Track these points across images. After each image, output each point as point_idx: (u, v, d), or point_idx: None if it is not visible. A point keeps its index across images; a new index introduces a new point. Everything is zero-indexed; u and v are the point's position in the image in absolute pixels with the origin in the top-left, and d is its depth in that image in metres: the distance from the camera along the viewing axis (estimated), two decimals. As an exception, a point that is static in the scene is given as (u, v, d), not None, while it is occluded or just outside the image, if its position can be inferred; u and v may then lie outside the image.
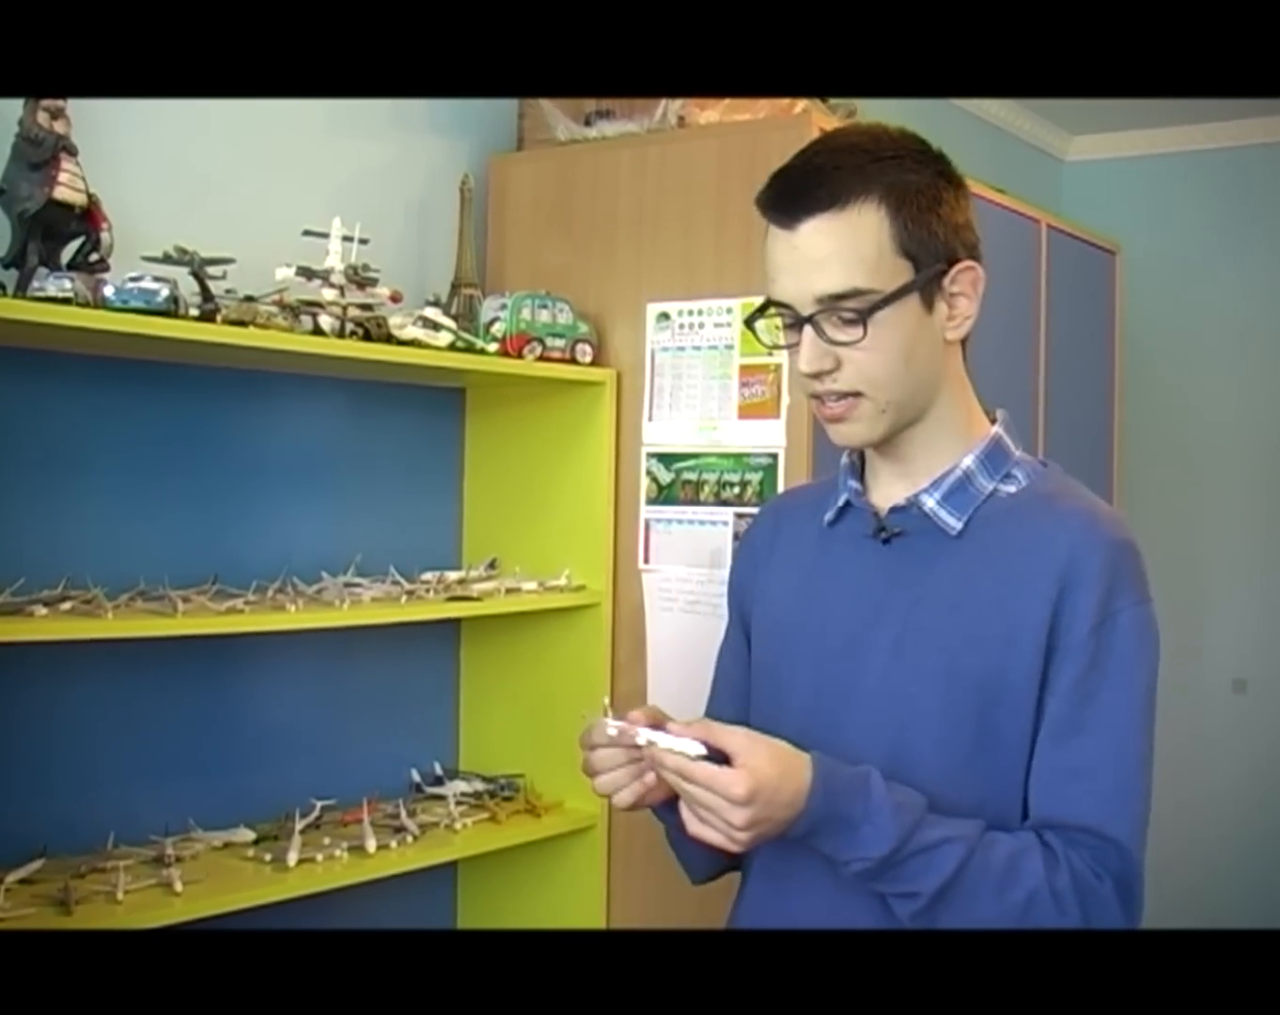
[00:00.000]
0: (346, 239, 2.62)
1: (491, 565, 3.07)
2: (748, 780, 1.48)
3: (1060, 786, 1.60)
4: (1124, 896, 1.57)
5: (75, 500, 2.52)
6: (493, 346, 2.87)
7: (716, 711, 1.88)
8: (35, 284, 2.19)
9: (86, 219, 2.30)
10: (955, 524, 1.67)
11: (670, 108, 2.96)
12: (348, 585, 2.72)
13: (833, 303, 1.59)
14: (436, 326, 2.73)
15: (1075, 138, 5.55)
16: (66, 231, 2.29)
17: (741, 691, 1.87)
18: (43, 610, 2.22)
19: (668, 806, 1.64)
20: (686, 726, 1.57)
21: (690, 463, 2.90)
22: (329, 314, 2.55)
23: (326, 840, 2.60)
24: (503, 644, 3.13)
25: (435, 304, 2.88)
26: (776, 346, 1.72)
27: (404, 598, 2.72)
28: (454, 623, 3.16)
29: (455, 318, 2.89)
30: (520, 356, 2.88)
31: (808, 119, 2.81)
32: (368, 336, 2.60)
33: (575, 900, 3.02)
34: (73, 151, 2.25)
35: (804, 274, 1.60)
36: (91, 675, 2.52)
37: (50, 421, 2.48)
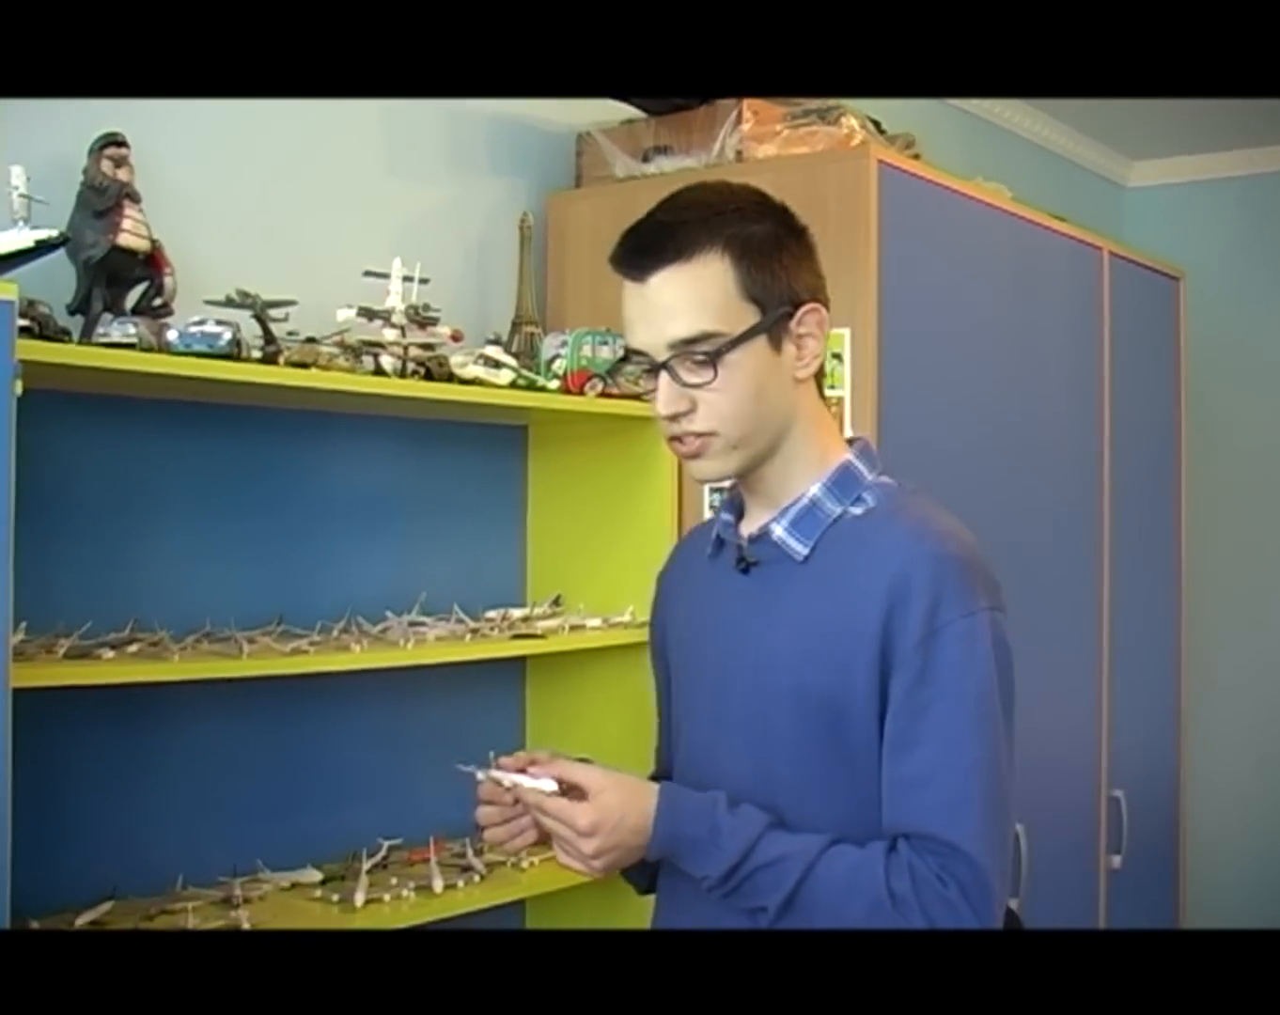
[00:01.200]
0: (407, 279, 2.63)
1: (556, 602, 3.07)
2: (590, 813, 1.63)
3: (901, 797, 1.66)
4: (973, 901, 1.61)
5: (141, 543, 2.53)
6: (554, 384, 2.87)
7: (659, 752, 2.04)
8: (100, 329, 2.21)
9: (150, 264, 2.32)
10: (801, 550, 1.74)
11: (728, 142, 2.96)
12: (412, 624, 2.72)
13: (684, 347, 1.68)
14: (498, 365, 2.73)
15: (1136, 164, 5.51)
16: (130, 277, 2.31)
17: (669, 728, 1.99)
18: (109, 653, 2.23)
19: None
20: (545, 766, 1.69)
21: (753, 497, 2.88)
22: (390, 354, 2.56)
23: (393, 880, 2.60)
24: (567, 681, 3.12)
25: (496, 342, 2.89)
26: (637, 395, 1.80)
27: (468, 636, 2.72)
28: (519, 660, 3.16)
29: (516, 356, 2.90)
30: (582, 393, 2.88)
31: (865, 151, 2.80)
32: (429, 376, 2.60)
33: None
34: (136, 198, 2.27)
35: (656, 322, 1.69)
36: (158, 717, 2.53)
37: (115, 465, 2.50)
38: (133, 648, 2.29)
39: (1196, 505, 4.42)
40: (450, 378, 2.64)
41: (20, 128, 2.29)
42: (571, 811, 1.63)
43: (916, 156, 3.09)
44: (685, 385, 1.68)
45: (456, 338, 2.67)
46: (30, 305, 2.10)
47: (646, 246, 1.71)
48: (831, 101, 2.95)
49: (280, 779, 2.74)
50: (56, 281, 2.23)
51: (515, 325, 3.06)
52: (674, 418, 1.71)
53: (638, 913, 2.99)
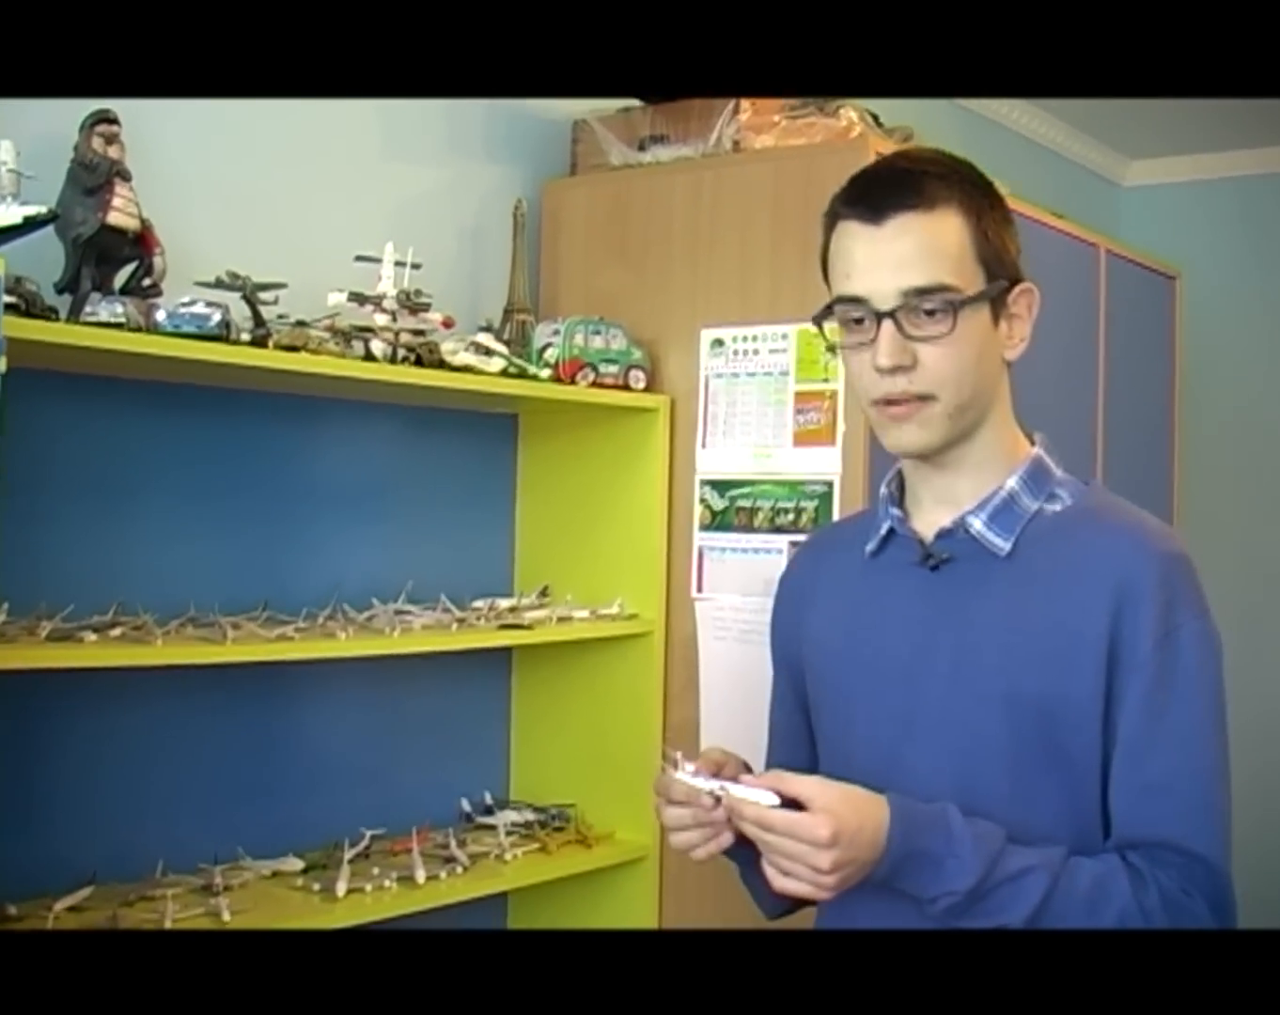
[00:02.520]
0: (399, 264, 2.61)
1: (544, 593, 3.05)
2: (830, 822, 1.48)
3: (1139, 804, 1.59)
4: (1217, 911, 1.57)
5: (126, 525, 2.51)
6: (545, 372, 2.85)
7: (774, 763, 1.86)
8: (88, 309, 2.18)
9: (140, 244, 2.30)
10: (1004, 545, 1.67)
11: (725, 132, 2.94)
12: (399, 612, 2.70)
13: (916, 297, 1.61)
14: (489, 352, 2.72)
15: (1133, 163, 5.50)
16: (120, 256, 2.29)
17: (797, 738, 1.88)
18: (92, 636, 2.21)
19: (738, 845, 1.63)
20: (757, 778, 1.58)
21: (744, 490, 2.87)
22: (381, 339, 2.54)
23: (376, 870, 2.58)
24: (555, 672, 3.10)
25: (488, 329, 2.87)
26: (840, 346, 1.70)
27: (455, 625, 2.71)
28: (506, 651, 3.14)
29: (508, 343, 2.87)
30: (573, 382, 2.86)
31: (864, 143, 2.78)
32: (420, 362, 2.58)
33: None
34: (126, 176, 2.25)
35: (888, 267, 1.62)
36: (141, 702, 2.51)
37: (101, 446, 2.48)
38: (116, 631, 2.27)
39: (1189, 503, 4.41)
40: (441, 364, 2.62)
41: (10, 102, 2.25)
42: (807, 823, 1.48)
43: (914, 150, 3.07)
44: (909, 338, 1.61)
45: (448, 324, 2.65)
46: (17, 282, 2.08)
47: (887, 189, 1.64)
48: (830, 93, 2.93)
49: (263, 766, 2.72)
50: (45, 259, 2.20)
51: (508, 313, 3.04)
52: (893, 371, 1.62)
53: (621, 908, 3.00)
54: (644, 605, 2.98)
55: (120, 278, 2.30)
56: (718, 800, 1.57)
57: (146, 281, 2.30)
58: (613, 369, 2.93)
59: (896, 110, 3.23)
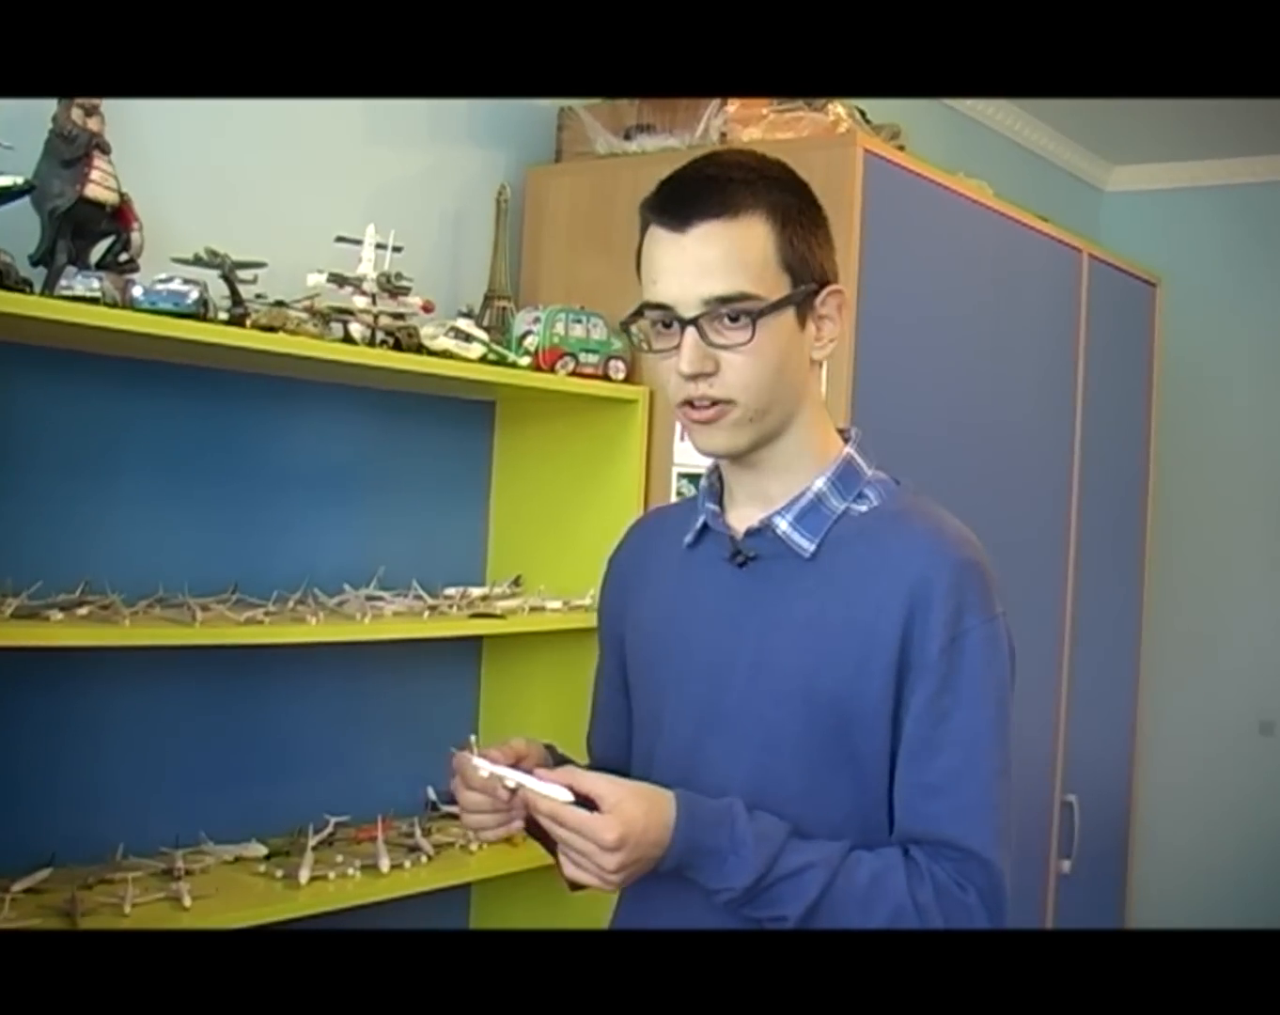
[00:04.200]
0: (380, 247, 2.58)
1: (516, 582, 3.03)
2: (617, 826, 1.53)
3: (919, 804, 1.63)
4: (989, 906, 1.62)
5: (96, 503, 2.48)
6: (525, 360, 2.83)
7: (596, 739, 1.99)
8: (63, 282, 2.15)
9: (117, 218, 2.27)
10: (808, 546, 1.70)
11: (712, 124, 2.92)
12: (369, 598, 2.68)
13: (717, 306, 1.62)
14: (468, 338, 2.69)
15: (1116, 168, 5.50)
16: (97, 230, 2.26)
17: (620, 716, 1.92)
18: (58, 615, 2.19)
19: (537, 827, 1.70)
20: (553, 773, 1.62)
21: (721, 485, 2.85)
22: (360, 322, 2.51)
23: (339, 858, 2.56)
24: (525, 662, 3.09)
25: (468, 315, 2.84)
26: (650, 350, 1.72)
27: (426, 613, 2.69)
28: (476, 640, 3.12)
29: (487, 330, 2.85)
30: (552, 371, 2.84)
31: (851, 139, 2.77)
32: (398, 346, 2.56)
33: (591, 925, 2.97)
34: (106, 149, 2.22)
35: (691, 276, 1.63)
36: (106, 682, 2.48)
37: (73, 422, 2.45)
38: (83, 610, 2.24)
39: (1164, 511, 4.42)
40: (419, 349, 2.60)
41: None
42: (595, 825, 1.53)
43: (901, 148, 3.06)
44: (712, 345, 1.63)
45: (428, 308, 2.63)
46: (-9, 254, 2.05)
47: (691, 196, 1.65)
48: (818, 89, 2.91)
49: (229, 750, 2.70)
50: (20, 231, 2.16)
51: (488, 299, 3.02)
52: (694, 378, 1.64)
53: (585, 900, 2.97)
54: (617, 598, 2.95)
55: (97, 252, 2.27)
56: (513, 791, 1.62)
57: (124, 257, 2.27)
58: (592, 359, 2.91)
59: (884, 107, 3.22)
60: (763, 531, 1.72)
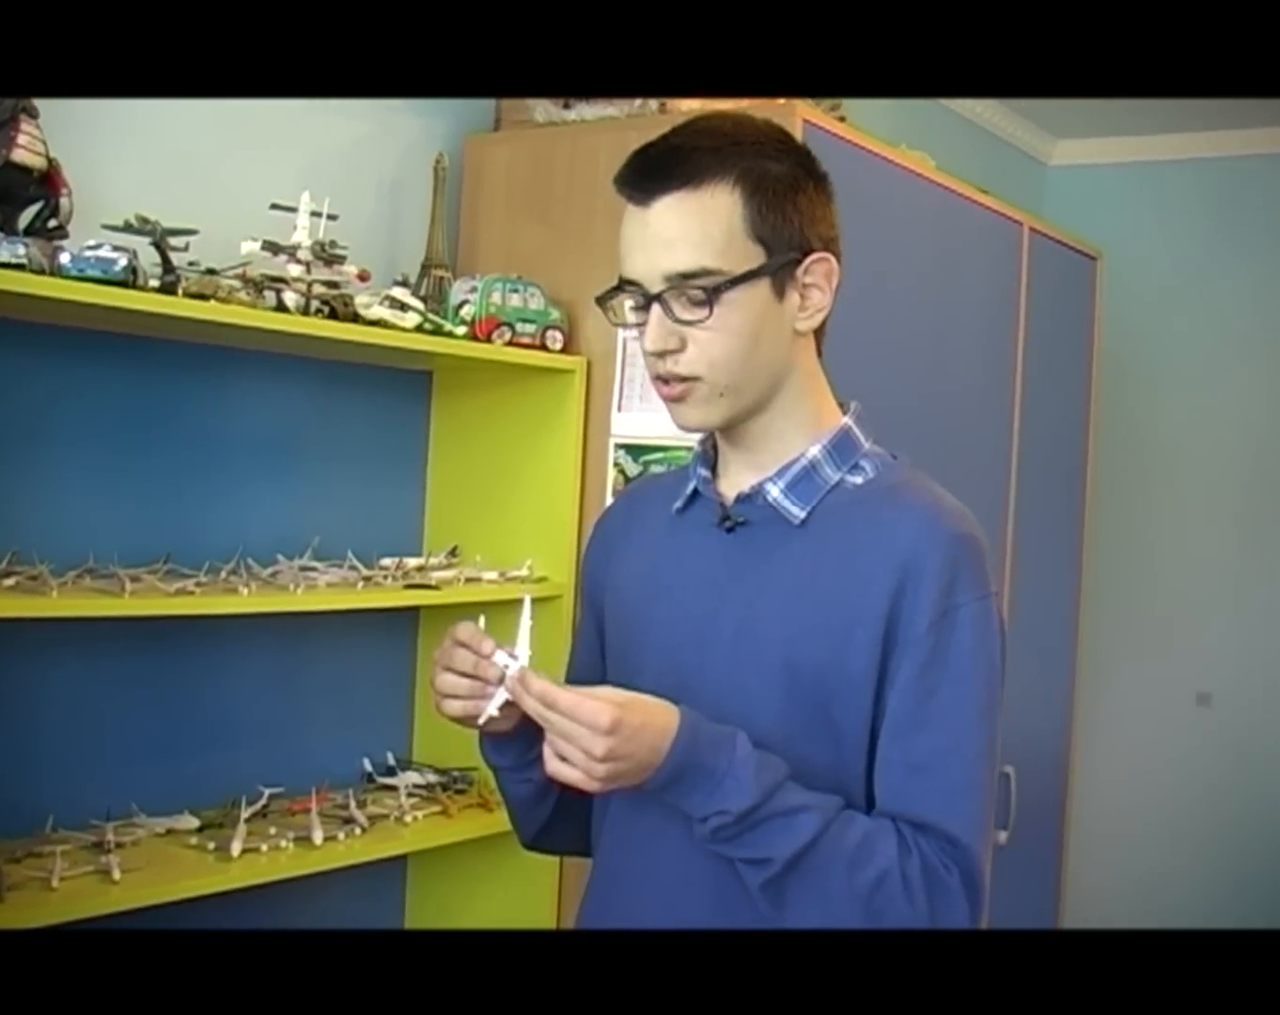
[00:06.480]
0: (315, 215, 2.56)
1: (453, 553, 3.01)
2: (613, 711, 1.47)
3: (902, 782, 1.60)
4: (969, 891, 1.58)
5: (23, 473, 2.45)
6: (461, 330, 2.81)
7: None
8: (-12, 248, 2.12)
9: (45, 183, 2.24)
10: (798, 513, 1.67)
11: (651, 93, 2.90)
12: (303, 569, 2.66)
13: (680, 281, 1.60)
14: (404, 307, 2.67)
15: (1059, 142, 5.51)
16: (24, 195, 2.23)
17: (596, 678, 1.84)
18: (-15, 585, 2.16)
19: (498, 749, 1.70)
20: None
21: (658, 455, 2.84)
22: (294, 290, 2.49)
23: (272, 830, 2.55)
24: (462, 634, 3.07)
25: (404, 284, 2.82)
26: (625, 325, 1.71)
27: (361, 584, 2.67)
28: (413, 611, 3.10)
29: (424, 299, 2.84)
30: (489, 341, 2.83)
31: (791, 109, 2.75)
32: (333, 315, 2.54)
33: (527, 898, 2.97)
34: (33, 114, 2.19)
35: (654, 251, 1.61)
36: (34, 654, 2.46)
37: (0, 391, 2.41)
38: (9, 581, 2.22)
39: (1103, 484, 4.44)
40: (355, 318, 2.58)
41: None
42: (593, 708, 1.47)
43: (842, 119, 3.05)
44: (677, 321, 1.60)
45: (363, 277, 2.60)
46: (-87, 219, 2.02)
47: (654, 169, 1.62)
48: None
49: (161, 722, 2.67)
50: (-56, 195, 2.13)
51: (425, 268, 2.99)
52: (660, 355, 1.63)
53: (521, 873, 2.98)
54: (554, 568, 2.95)
55: (25, 218, 2.24)
56: (501, 679, 1.56)
57: (52, 223, 2.25)
58: (530, 328, 2.89)
59: (825, 79, 3.21)
60: (753, 497, 1.69)
